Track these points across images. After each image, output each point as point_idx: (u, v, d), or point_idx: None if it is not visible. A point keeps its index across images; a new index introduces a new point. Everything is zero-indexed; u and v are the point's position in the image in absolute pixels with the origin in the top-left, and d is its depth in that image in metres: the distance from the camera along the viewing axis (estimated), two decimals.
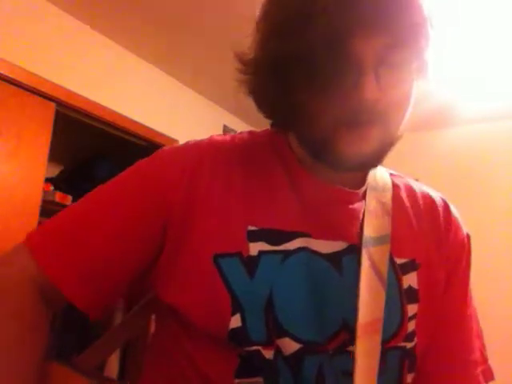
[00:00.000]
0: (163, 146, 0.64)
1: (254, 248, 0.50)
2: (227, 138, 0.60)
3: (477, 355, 0.58)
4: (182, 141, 0.62)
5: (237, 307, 0.48)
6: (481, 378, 0.57)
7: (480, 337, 0.60)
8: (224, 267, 0.49)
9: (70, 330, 2.10)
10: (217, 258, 0.50)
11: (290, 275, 0.50)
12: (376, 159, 0.51)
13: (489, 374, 0.59)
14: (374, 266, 0.52)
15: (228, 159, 0.56)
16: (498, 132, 2.61)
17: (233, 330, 0.48)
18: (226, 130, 2.98)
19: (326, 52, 0.43)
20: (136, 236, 0.53)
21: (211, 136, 0.60)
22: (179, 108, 2.68)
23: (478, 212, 2.42)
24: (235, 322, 0.48)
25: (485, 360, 0.59)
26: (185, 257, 0.51)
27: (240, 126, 3.02)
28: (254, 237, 0.51)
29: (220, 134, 0.61)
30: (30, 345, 0.49)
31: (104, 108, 2.19)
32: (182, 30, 2.10)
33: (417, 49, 0.47)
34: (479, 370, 0.58)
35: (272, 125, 0.58)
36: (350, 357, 0.49)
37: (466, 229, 0.63)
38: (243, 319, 0.48)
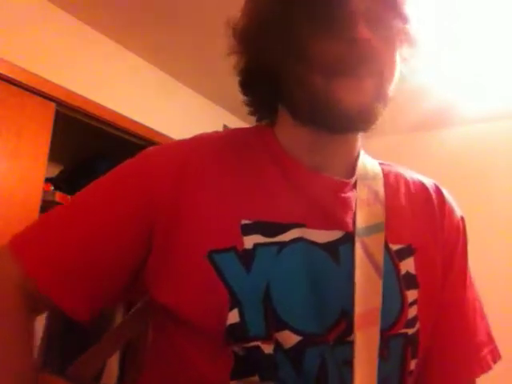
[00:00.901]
0: None
1: (249, 241, 0.50)
2: (215, 134, 0.60)
3: (482, 336, 0.58)
4: None
5: (234, 302, 0.47)
6: (488, 358, 0.57)
7: (484, 317, 0.60)
8: (219, 263, 0.49)
9: (71, 331, 2.10)
10: (211, 254, 0.49)
11: (286, 266, 0.50)
12: (371, 114, 0.52)
13: (496, 354, 0.59)
14: (369, 256, 0.52)
15: (217, 155, 0.56)
16: (498, 132, 2.60)
17: (231, 325, 0.47)
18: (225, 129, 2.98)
19: None
20: (124, 235, 0.52)
21: (200, 133, 0.60)
22: (179, 108, 2.67)
23: (478, 212, 2.42)
24: (233, 317, 0.47)
25: (491, 340, 0.59)
26: (177, 255, 0.50)
27: (240, 126, 3.01)
28: (248, 230, 0.50)
29: (210, 132, 0.61)
30: (16, 353, 0.49)
31: (104, 108, 2.18)
32: (183, 29, 2.10)
33: (398, 9, 0.51)
34: (486, 351, 0.58)
35: (258, 118, 0.61)
36: (351, 347, 0.48)
37: (459, 211, 0.63)
38: (241, 314, 0.47)
